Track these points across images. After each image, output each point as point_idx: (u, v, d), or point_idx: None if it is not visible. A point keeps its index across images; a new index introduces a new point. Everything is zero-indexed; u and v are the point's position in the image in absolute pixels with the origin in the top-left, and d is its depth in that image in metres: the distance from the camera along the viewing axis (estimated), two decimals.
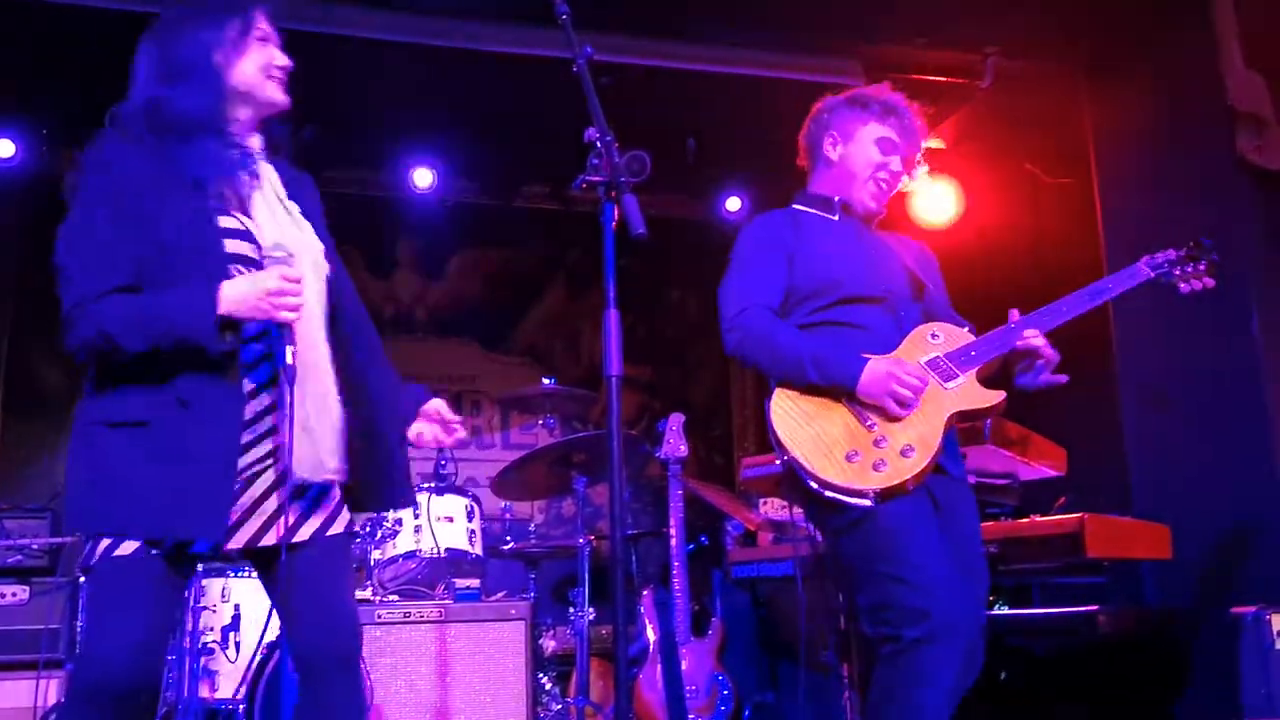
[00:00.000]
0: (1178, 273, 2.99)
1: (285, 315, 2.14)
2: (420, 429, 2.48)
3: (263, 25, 2.36)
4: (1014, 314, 2.89)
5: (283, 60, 2.38)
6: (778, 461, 2.80)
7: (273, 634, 4.18)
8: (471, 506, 4.76)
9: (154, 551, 2.13)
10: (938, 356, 2.82)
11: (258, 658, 4.21)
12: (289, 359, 2.18)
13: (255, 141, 2.37)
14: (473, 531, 4.71)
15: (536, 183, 7.22)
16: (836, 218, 3.04)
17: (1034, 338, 2.82)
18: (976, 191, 6.26)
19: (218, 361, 2.14)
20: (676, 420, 4.87)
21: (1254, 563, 4.32)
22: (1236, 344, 4.46)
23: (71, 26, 5.21)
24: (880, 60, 5.52)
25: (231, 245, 2.21)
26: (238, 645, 4.30)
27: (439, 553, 4.55)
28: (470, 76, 5.69)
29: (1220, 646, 3.73)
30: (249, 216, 2.26)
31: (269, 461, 2.25)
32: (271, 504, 2.26)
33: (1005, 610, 4.23)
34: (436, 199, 6.91)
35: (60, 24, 5.18)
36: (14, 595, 4.86)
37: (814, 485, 2.67)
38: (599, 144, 2.16)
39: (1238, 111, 4.54)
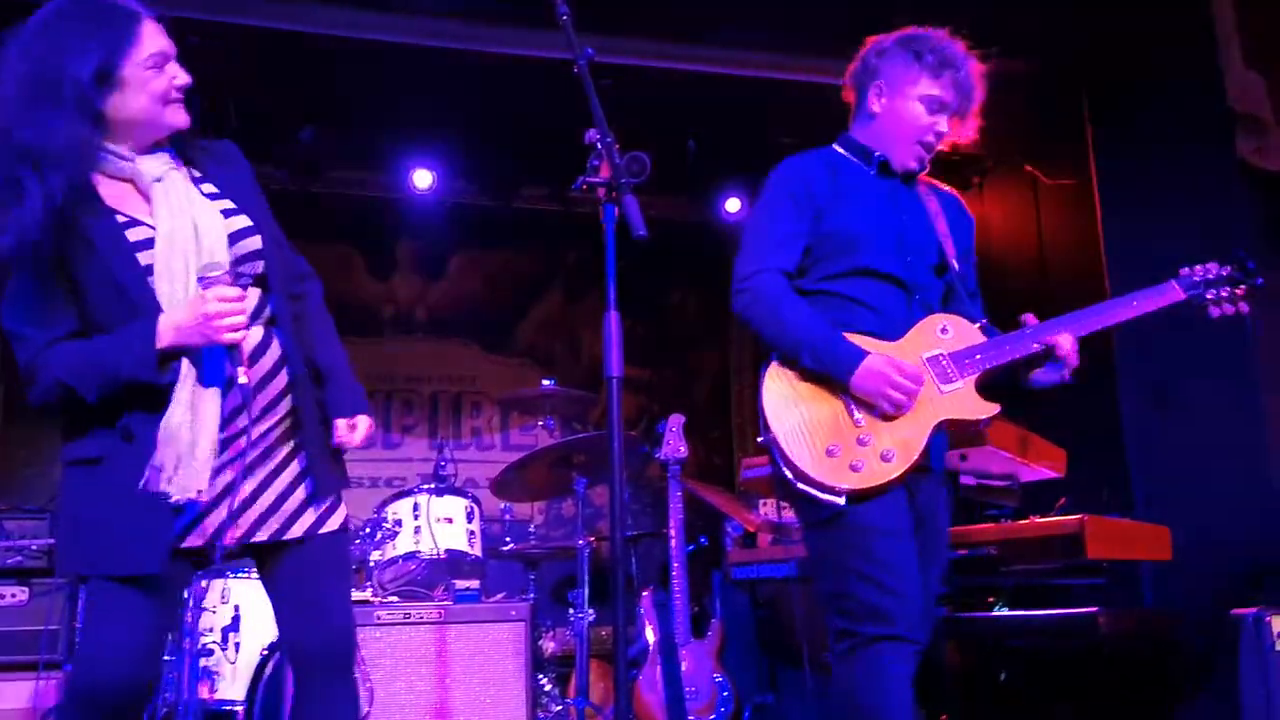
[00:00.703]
0: (1211, 295, 2.82)
1: (229, 337, 2.09)
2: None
3: (152, 46, 2.15)
4: (1029, 319, 2.78)
5: (183, 79, 2.20)
6: (760, 439, 2.72)
7: (272, 635, 4.18)
8: (471, 508, 4.76)
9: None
10: (940, 354, 2.71)
11: (258, 659, 4.21)
12: (241, 379, 2.13)
13: (160, 159, 2.23)
14: (472, 533, 4.70)
15: (536, 184, 7.22)
16: (873, 172, 2.87)
17: (1064, 342, 2.70)
18: (975, 193, 6.26)
19: (159, 391, 2.11)
20: (676, 421, 4.87)
21: (1254, 564, 4.32)
22: (1236, 346, 4.46)
23: None
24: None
25: (145, 257, 2.13)
26: (237, 646, 4.30)
27: (439, 554, 4.54)
28: (470, 78, 5.69)
29: (1220, 648, 3.73)
30: (152, 220, 2.16)
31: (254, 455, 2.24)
32: (268, 498, 2.27)
33: (1005, 611, 4.23)
34: (436, 200, 6.91)
35: None
36: (13, 596, 4.86)
37: (788, 473, 2.62)
38: (599, 145, 2.16)
39: (1237, 113, 4.54)
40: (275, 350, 2.27)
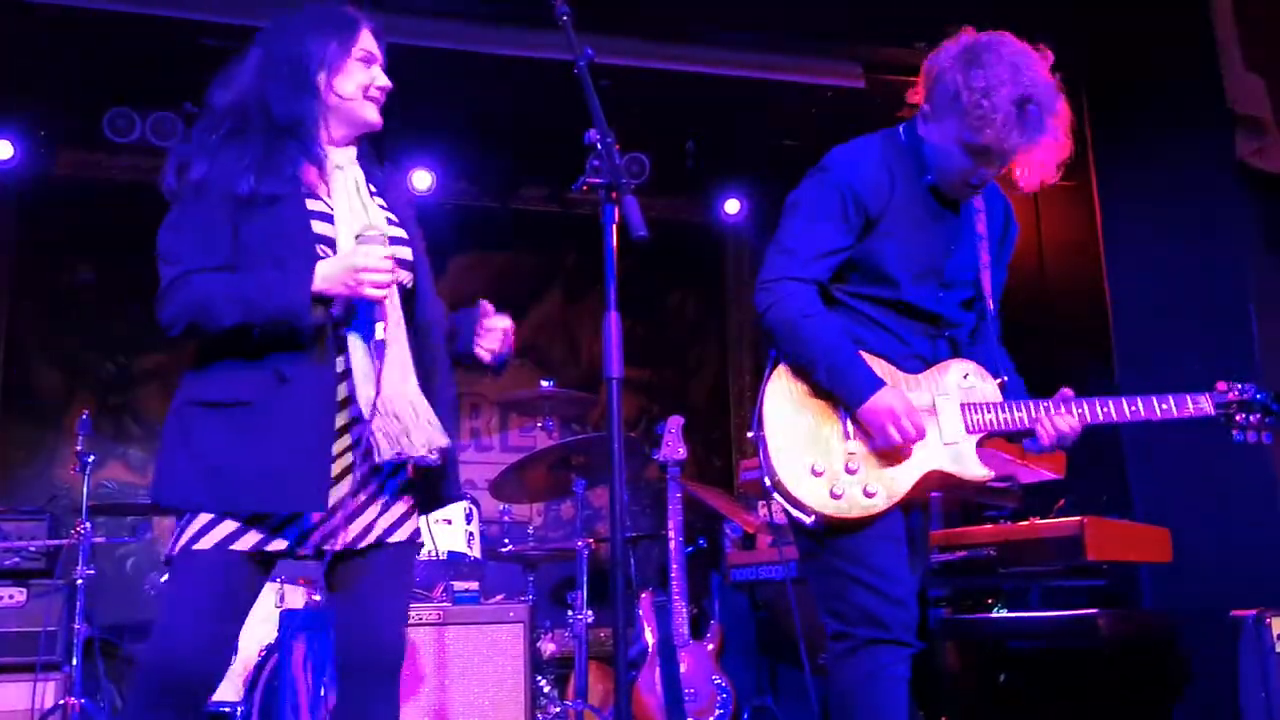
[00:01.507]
0: (1240, 419, 2.77)
1: (372, 292, 2.19)
2: (485, 347, 2.61)
3: (366, 45, 2.41)
4: (1066, 392, 2.69)
5: (383, 81, 2.43)
6: (750, 434, 2.67)
7: (270, 637, 4.17)
8: (470, 509, 4.75)
9: (231, 547, 2.17)
10: (953, 402, 2.64)
11: (255, 660, 4.21)
12: (379, 334, 2.24)
13: (348, 153, 2.41)
14: (471, 534, 4.70)
15: (536, 185, 7.22)
16: (928, 182, 2.69)
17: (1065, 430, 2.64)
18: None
19: (309, 341, 2.20)
20: (675, 423, 4.87)
21: (1254, 566, 4.32)
22: (1236, 347, 4.46)
23: (68, 30, 5.21)
24: (880, 62, 5.52)
25: (317, 227, 2.27)
26: (236, 648, 4.29)
27: (438, 555, 4.54)
28: (470, 79, 5.69)
29: (1220, 650, 3.73)
30: (329, 201, 2.32)
31: (349, 456, 2.29)
32: (353, 502, 2.31)
33: (1005, 613, 4.23)
34: (435, 201, 6.90)
35: (58, 27, 5.18)
36: (11, 598, 4.86)
37: (767, 480, 2.59)
38: (599, 146, 2.15)
39: (1237, 114, 4.54)
40: (401, 350, 2.34)
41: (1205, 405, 2.76)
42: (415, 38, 5.25)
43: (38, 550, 5.01)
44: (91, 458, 4.59)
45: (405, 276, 2.38)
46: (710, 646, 4.72)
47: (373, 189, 2.44)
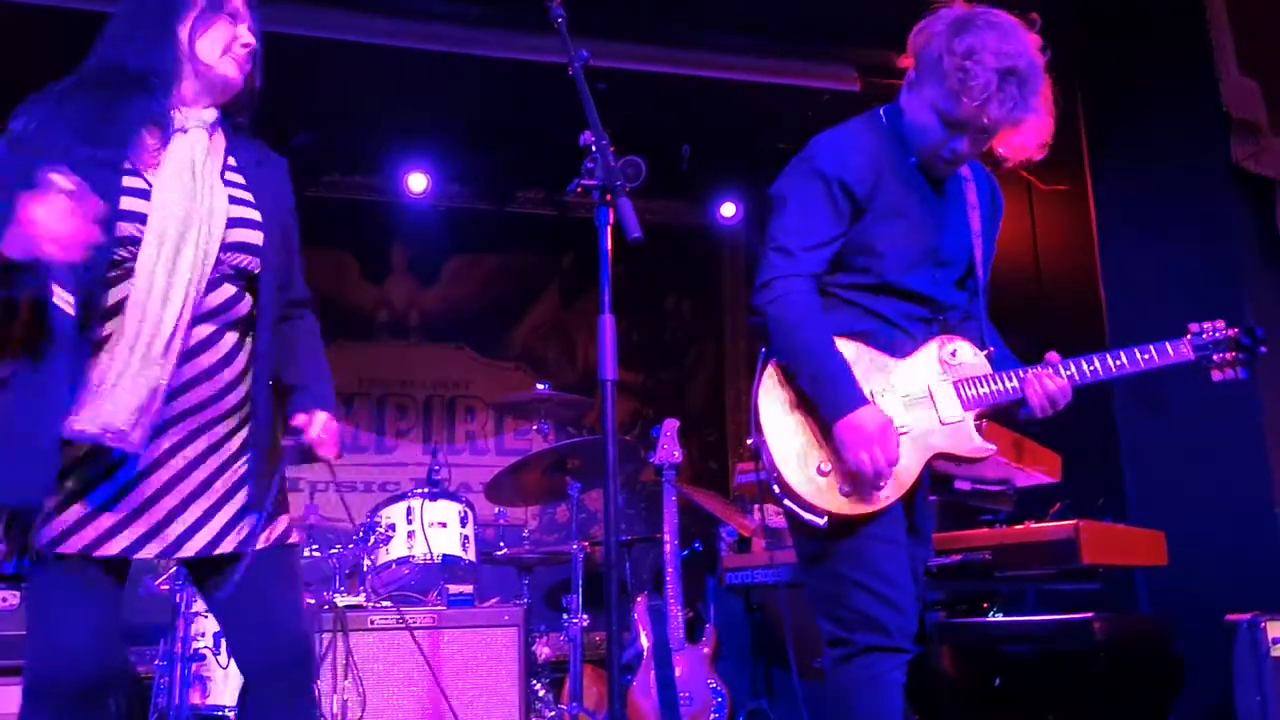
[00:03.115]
0: (1217, 358, 2.76)
1: (49, 248, 1.93)
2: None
3: (235, 2, 2.29)
4: (1052, 356, 2.69)
5: (247, 38, 2.30)
6: (749, 440, 2.63)
7: None
8: (465, 512, 4.74)
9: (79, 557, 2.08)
10: (946, 381, 2.63)
11: None
12: (67, 308, 2.02)
13: (201, 115, 2.25)
14: (466, 537, 4.69)
15: (531, 188, 7.22)
16: (914, 163, 2.67)
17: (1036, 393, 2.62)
18: None
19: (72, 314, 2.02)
20: (671, 426, 4.86)
21: (1249, 570, 4.32)
22: None
23: (59, 32, 5.19)
24: (875, 66, 5.53)
25: (126, 202, 2.10)
26: (229, 652, 4.28)
27: (432, 558, 4.53)
28: (465, 81, 5.69)
29: (1215, 653, 3.73)
30: (153, 172, 2.15)
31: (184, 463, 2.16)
32: (197, 510, 2.17)
33: (1000, 617, 4.22)
34: (431, 204, 6.90)
35: (49, 29, 5.17)
36: (3, 601, 4.83)
37: (775, 487, 2.54)
38: (594, 148, 2.15)
39: (1233, 118, 4.55)
40: (233, 346, 2.21)
41: (1185, 350, 2.76)
42: (411, 40, 5.25)
43: None
44: None
45: (245, 260, 2.23)
46: (705, 650, 4.71)
47: (232, 162, 2.29)
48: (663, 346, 7.60)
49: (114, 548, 2.12)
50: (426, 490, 4.69)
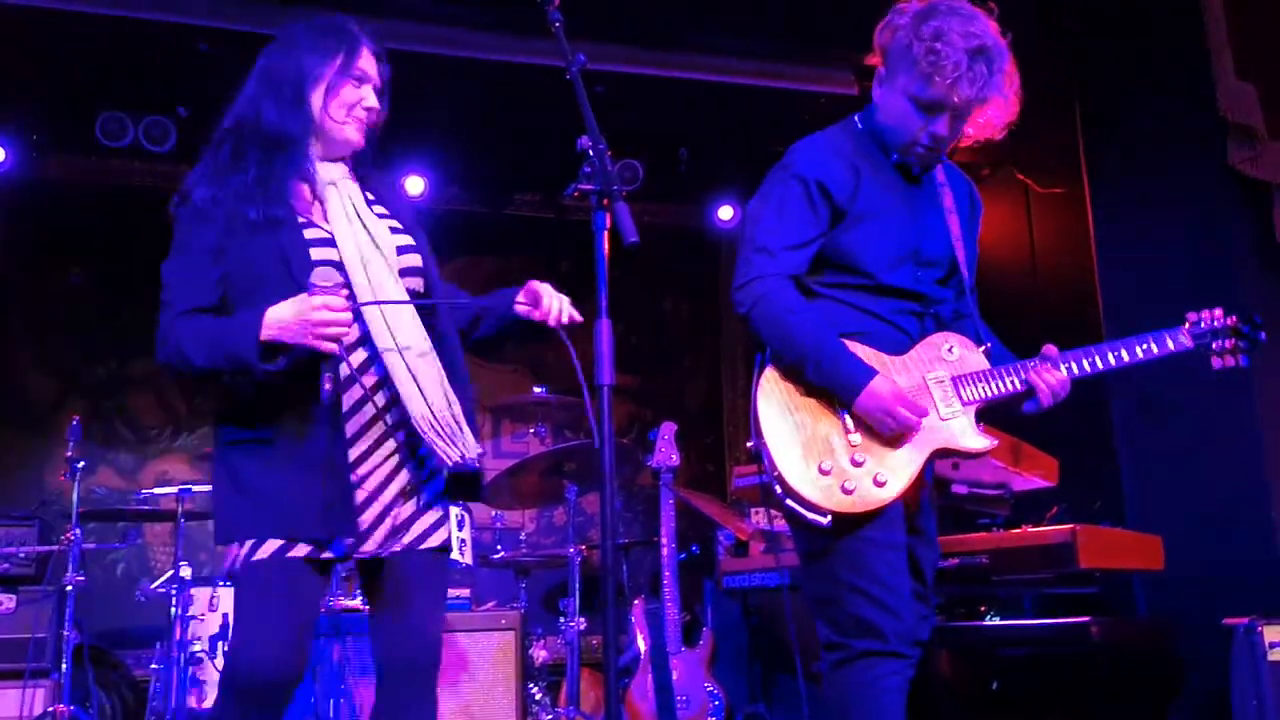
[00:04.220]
0: (1216, 346, 2.77)
1: (325, 345, 2.17)
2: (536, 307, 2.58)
3: (365, 65, 2.42)
4: (1050, 350, 2.70)
5: (371, 101, 2.42)
6: (749, 444, 2.62)
7: None
8: (462, 515, 4.72)
9: (288, 555, 2.22)
10: (944, 377, 2.62)
11: None
12: (326, 385, 2.23)
13: (338, 169, 2.41)
14: (463, 540, 4.66)
15: (529, 190, 7.22)
16: (893, 164, 2.69)
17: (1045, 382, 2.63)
18: None
19: (305, 389, 2.21)
20: (668, 429, 4.86)
21: (1246, 574, 4.32)
22: None
23: (61, 34, 5.20)
24: (871, 69, 5.52)
25: (317, 253, 2.27)
26: (226, 654, 4.27)
27: None
28: (463, 84, 5.69)
29: (1212, 658, 3.73)
30: (327, 223, 2.33)
31: (392, 462, 2.34)
32: (404, 511, 2.36)
33: (997, 621, 4.22)
34: (428, 206, 6.89)
35: (50, 31, 5.17)
36: (1, 604, 4.83)
37: (777, 487, 2.53)
38: (591, 152, 2.15)
39: (1229, 122, 4.55)
40: (433, 362, 2.38)
41: (1184, 340, 2.76)
42: (409, 43, 5.25)
43: (27, 556, 4.98)
44: (82, 463, 4.57)
45: (416, 283, 2.43)
46: (702, 654, 4.71)
47: (370, 197, 2.44)
48: (660, 349, 7.59)
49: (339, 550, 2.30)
50: None
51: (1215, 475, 4.55)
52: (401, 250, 2.38)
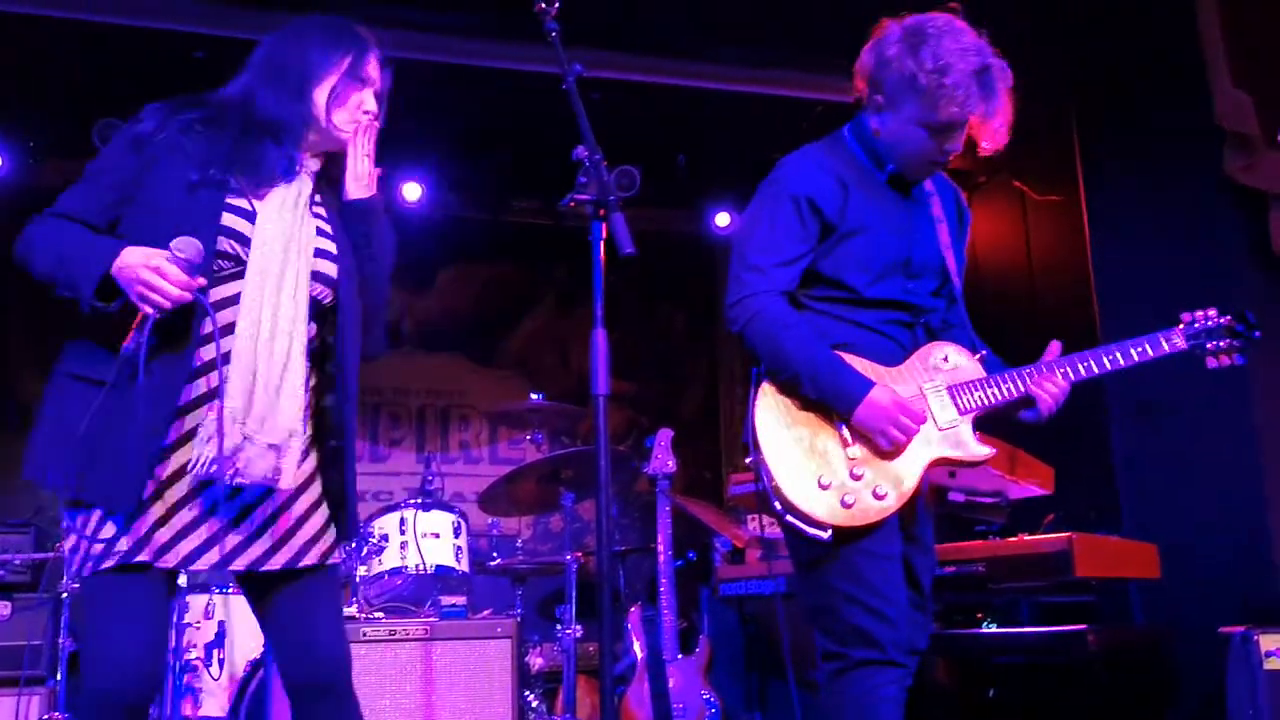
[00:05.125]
0: (1210, 345, 2.76)
1: (143, 305, 2.09)
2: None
3: (369, 69, 2.44)
4: (1054, 347, 2.71)
5: (370, 105, 2.43)
6: (748, 460, 2.64)
7: (257, 651, 4.15)
8: (458, 522, 4.73)
9: (134, 572, 2.12)
10: (940, 386, 2.64)
11: (242, 674, 4.18)
12: (129, 343, 2.14)
13: (313, 163, 2.41)
14: (459, 548, 4.68)
15: (526, 197, 7.22)
16: (884, 179, 2.72)
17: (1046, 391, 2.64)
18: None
19: (165, 323, 2.12)
20: (665, 436, 4.86)
21: (1242, 583, 4.32)
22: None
23: (58, 41, 5.20)
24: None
25: (229, 219, 2.22)
26: (221, 662, 4.27)
27: (425, 569, 4.52)
28: (460, 91, 5.69)
29: (1208, 666, 3.73)
30: (259, 201, 2.27)
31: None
32: (285, 523, 2.26)
33: (993, 629, 4.22)
34: (425, 213, 6.90)
35: (47, 38, 5.17)
36: None
37: (776, 504, 2.55)
38: (587, 162, 2.15)
39: (1226, 131, 4.55)
40: (308, 375, 2.31)
41: (1179, 341, 2.75)
42: (406, 50, 5.24)
43: (22, 564, 4.98)
44: None
45: (323, 292, 2.36)
46: (699, 661, 4.70)
47: (317, 199, 2.41)
48: (657, 356, 7.59)
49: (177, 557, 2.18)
50: (419, 500, 4.68)
51: (1211, 484, 4.55)
52: (319, 253, 2.33)
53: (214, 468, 2.12)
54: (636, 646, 4.71)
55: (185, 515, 2.17)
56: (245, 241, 2.21)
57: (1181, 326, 2.77)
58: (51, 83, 5.63)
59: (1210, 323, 2.77)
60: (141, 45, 5.22)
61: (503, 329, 7.39)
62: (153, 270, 2.06)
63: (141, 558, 2.12)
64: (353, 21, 2.49)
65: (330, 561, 2.33)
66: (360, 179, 2.44)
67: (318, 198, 2.41)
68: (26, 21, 4.96)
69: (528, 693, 4.55)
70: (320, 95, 2.35)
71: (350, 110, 2.39)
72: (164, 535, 2.15)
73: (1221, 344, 2.77)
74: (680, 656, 4.66)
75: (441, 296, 7.33)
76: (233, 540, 2.21)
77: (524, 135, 6.13)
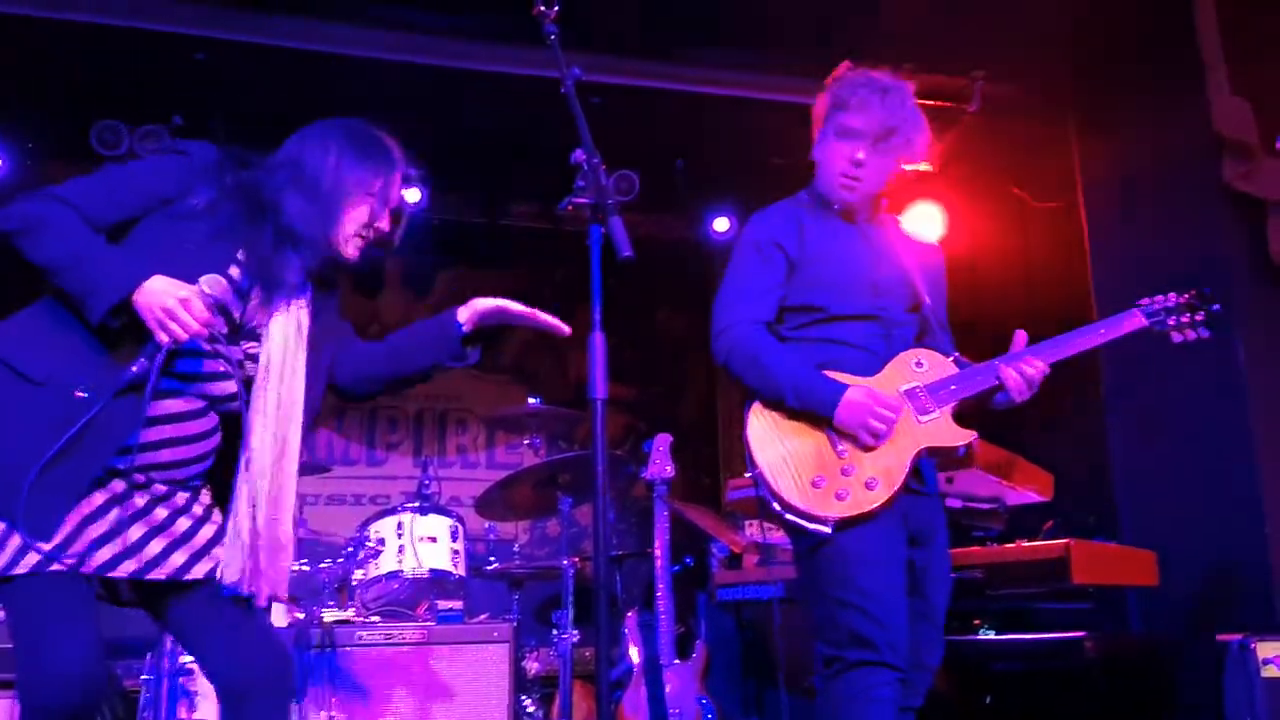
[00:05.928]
0: (1172, 322, 2.92)
1: (159, 333, 2.13)
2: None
3: (395, 190, 2.50)
4: (1020, 336, 2.87)
5: (381, 224, 2.49)
6: (747, 474, 2.82)
7: None
8: (455, 527, 4.73)
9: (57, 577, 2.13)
10: (917, 387, 2.81)
11: None
12: (134, 368, 2.15)
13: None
14: (456, 552, 4.67)
15: (525, 201, 7.22)
16: (837, 217, 2.97)
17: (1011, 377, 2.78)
18: (963, 216, 6.27)
19: (125, 375, 2.13)
20: (663, 441, 4.85)
21: (1240, 590, 4.32)
22: (1223, 372, 4.46)
23: (58, 42, 5.19)
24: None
25: (215, 279, 2.24)
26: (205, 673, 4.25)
27: (422, 573, 4.51)
28: (459, 95, 5.69)
29: (1206, 673, 3.72)
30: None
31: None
32: (175, 531, 2.28)
33: (991, 635, 4.22)
34: (424, 217, 6.89)
35: (47, 39, 5.17)
36: None
37: (776, 506, 2.71)
38: (586, 166, 2.15)
39: (1224, 138, 4.56)
40: (215, 427, 2.34)
41: (1139, 319, 2.93)
42: (406, 53, 5.26)
43: None
44: None
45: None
46: (696, 666, 4.69)
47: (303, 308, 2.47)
48: (655, 361, 7.59)
49: (94, 563, 2.18)
50: (417, 504, 4.68)
51: (1209, 491, 4.54)
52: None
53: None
54: (633, 651, 4.70)
55: (100, 526, 2.19)
56: (225, 313, 2.29)
57: (1139, 307, 2.94)
58: (51, 83, 5.63)
59: (1169, 303, 2.94)
60: (141, 46, 5.21)
61: (500, 333, 7.36)
62: (181, 302, 2.10)
63: (56, 567, 2.13)
64: (384, 136, 2.53)
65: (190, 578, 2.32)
66: None
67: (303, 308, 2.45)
68: (26, 22, 4.96)
69: (524, 697, 4.54)
70: (348, 219, 2.42)
71: (359, 227, 2.46)
72: (79, 545, 2.16)
73: (1184, 319, 2.92)
74: (677, 662, 4.65)
75: (440, 301, 7.32)
76: (153, 549, 2.24)
77: (523, 139, 6.13)
